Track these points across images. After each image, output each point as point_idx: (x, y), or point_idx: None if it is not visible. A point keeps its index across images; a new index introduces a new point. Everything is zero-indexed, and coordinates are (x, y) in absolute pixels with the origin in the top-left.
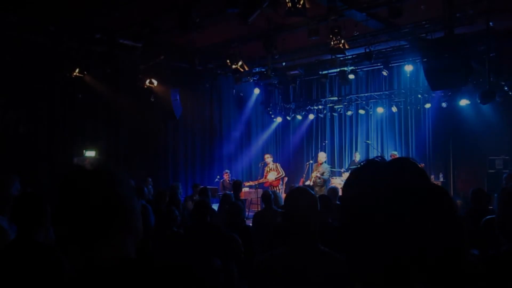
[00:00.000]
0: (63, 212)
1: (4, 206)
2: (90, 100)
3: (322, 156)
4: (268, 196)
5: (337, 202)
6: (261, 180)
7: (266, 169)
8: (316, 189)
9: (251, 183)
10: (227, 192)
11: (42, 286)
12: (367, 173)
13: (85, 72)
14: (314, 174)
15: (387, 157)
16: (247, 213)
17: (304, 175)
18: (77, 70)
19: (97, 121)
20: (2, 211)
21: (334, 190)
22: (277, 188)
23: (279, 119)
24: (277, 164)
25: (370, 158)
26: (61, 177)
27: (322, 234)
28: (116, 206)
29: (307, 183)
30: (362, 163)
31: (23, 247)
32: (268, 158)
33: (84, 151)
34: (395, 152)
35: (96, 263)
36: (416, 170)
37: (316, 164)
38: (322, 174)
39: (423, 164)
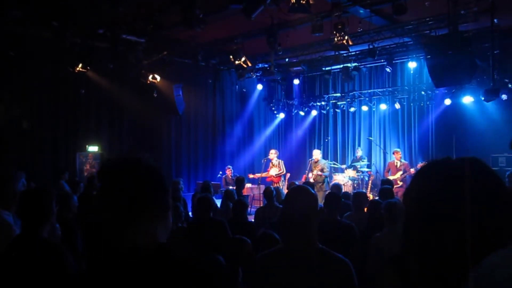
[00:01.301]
0: (106, 197)
1: (9, 202)
2: (93, 96)
3: (316, 153)
4: (270, 193)
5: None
6: (263, 174)
7: (270, 164)
8: (318, 186)
9: (256, 175)
10: (230, 188)
11: (46, 281)
12: (441, 174)
13: (88, 68)
14: (315, 173)
15: (390, 155)
16: (249, 209)
17: (307, 171)
18: (80, 65)
19: (100, 116)
20: (8, 206)
21: (337, 186)
22: (278, 184)
23: (281, 115)
24: (281, 161)
25: (437, 158)
26: (105, 165)
27: (332, 231)
28: (157, 195)
29: (310, 180)
30: (430, 163)
31: (28, 243)
32: (272, 154)
33: (87, 146)
34: (398, 150)
35: (133, 246)
36: (488, 171)
37: (314, 161)
38: (322, 170)
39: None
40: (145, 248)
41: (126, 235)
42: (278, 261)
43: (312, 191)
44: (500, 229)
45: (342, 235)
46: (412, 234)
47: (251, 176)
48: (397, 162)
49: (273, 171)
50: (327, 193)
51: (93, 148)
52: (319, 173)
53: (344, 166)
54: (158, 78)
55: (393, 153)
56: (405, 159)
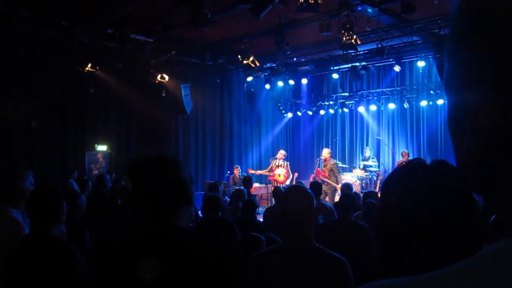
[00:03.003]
0: (142, 190)
1: (18, 200)
2: (102, 95)
3: (325, 152)
4: (279, 192)
5: None
6: (265, 172)
7: (275, 162)
8: (328, 186)
9: (257, 172)
10: (241, 188)
11: (57, 279)
12: (410, 177)
13: (97, 67)
14: (337, 183)
15: (399, 154)
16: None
17: (315, 171)
18: (89, 65)
19: (109, 115)
20: (17, 205)
21: (348, 186)
22: (284, 185)
23: (289, 115)
24: (287, 163)
25: (410, 160)
26: (131, 167)
27: (346, 233)
28: (185, 187)
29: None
30: (402, 166)
31: (38, 241)
32: (280, 154)
33: (95, 145)
34: (406, 151)
35: (162, 229)
36: (456, 175)
37: (323, 161)
38: (332, 171)
39: None
40: (177, 229)
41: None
42: (275, 259)
43: (308, 190)
44: (460, 239)
45: (356, 236)
46: (379, 237)
47: (251, 171)
48: (404, 163)
49: (279, 171)
50: (341, 194)
51: (102, 147)
52: (330, 181)
53: (353, 166)
54: (166, 77)
55: (402, 154)
56: None
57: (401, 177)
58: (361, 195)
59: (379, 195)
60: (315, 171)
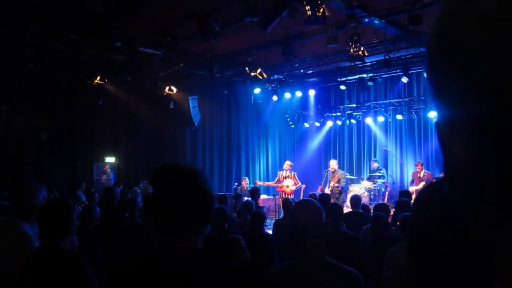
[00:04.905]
0: (160, 203)
1: (29, 214)
2: (110, 107)
3: (333, 163)
4: (289, 204)
5: (360, 210)
6: (272, 183)
7: (282, 173)
8: (335, 197)
9: (265, 183)
10: (249, 200)
11: None
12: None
13: (106, 80)
14: (332, 184)
15: (407, 165)
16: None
17: (323, 182)
18: (98, 78)
19: (117, 127)
20: (27, 218)
21: (356, 198)
22: (292, 195)
23: (297, 126)
24: (295, 173)
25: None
26: (157, 172)
27: (336, 243)
28: (208, 203)
29: (326, 191)
30: (435, 184)
31: (48, 254)
32: (287, 165)
33: (104, 157)
34: (421, 161)
35: (178, 248)
36: None
37: (331, 172)
38: (339, 181)
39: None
40: (191, 251)
41: (172, 238)
42: (286, 278)
43: (317, 204)
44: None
45: (347, 246)
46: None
47: (258, 183)
48: (420, 173)
49: (287, 182)
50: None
51: (110, 159)
52: (336, 185)
53: (361, 177)
54: (174, 89)
55: (416, 165)
56: None
57: (437, 195)
58: (371, 207)
59: (390, 207)
60: (322, 183)
